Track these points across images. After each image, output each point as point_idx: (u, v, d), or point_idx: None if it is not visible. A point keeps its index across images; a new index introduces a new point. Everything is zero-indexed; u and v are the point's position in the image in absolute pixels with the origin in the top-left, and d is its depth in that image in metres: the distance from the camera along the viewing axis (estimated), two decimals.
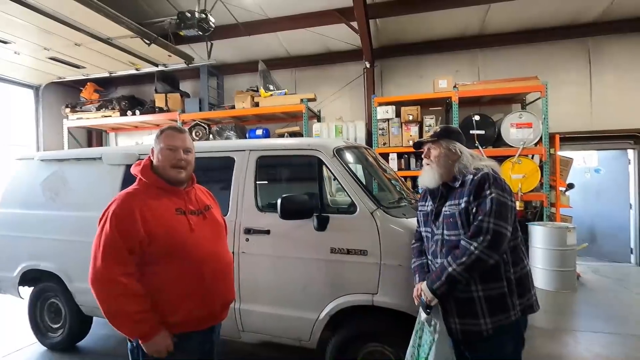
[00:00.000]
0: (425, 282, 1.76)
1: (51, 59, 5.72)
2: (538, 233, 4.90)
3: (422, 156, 1.95)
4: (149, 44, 5.09)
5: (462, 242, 1.66)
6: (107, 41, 5.07)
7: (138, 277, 1.52)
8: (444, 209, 1.81)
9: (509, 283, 1.68)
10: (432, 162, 1.87)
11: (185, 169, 1.68)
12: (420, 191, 2.12)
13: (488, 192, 1.65)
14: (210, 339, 1.74)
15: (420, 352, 1.75)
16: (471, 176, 1.73)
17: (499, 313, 1.66)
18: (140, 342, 1.51)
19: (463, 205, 1.71)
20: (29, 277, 3.40)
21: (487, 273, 1.66)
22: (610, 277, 5.43)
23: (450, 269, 1.64)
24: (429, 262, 1.88)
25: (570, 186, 5.74)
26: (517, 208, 5.11)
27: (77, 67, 6.18)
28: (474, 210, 1.67)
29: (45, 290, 3.42)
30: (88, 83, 7.40)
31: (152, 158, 1.70)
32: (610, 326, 3.71)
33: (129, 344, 1.62)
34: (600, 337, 3.49)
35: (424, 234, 1.96)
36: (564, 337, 3.53)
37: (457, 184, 1.78)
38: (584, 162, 6.92)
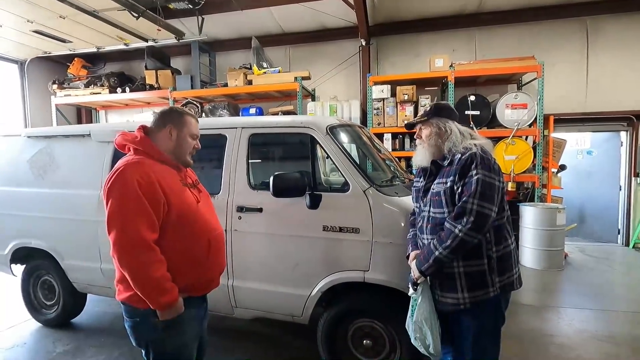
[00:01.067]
0: (414, 262, 1.80)
1: (35, 32, 5.51)
2: (528, 213, 4.98)
3: (415, 136, 1.95)
4: (137, 17, 4.91)
5: (447, 225, 1.68)
6: (92, 14, 4.89)
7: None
8: (432, 186, 1.83)
9: (489, 260, 1.71)
10: (423, 142, 1.88)
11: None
12: (414, 172, 2.13)
13: (474, 172, 1.65)
14: (203, 305, 1.79)
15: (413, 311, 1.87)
16: (459, 155, 1.73)
17: (477, 289, 1.70)
18: (160, 310, 1.49)
19: (449, 184, 1.73)
20: (21, 255, 3.39)
21: (469, 250, 1.68)
22: (596, 256, 5.57)
23: (437, 253, 1.68)
24: (417, 236, 1.93)
25: (563, 167, 5.79)
26: (509, 189, 5.21)
27: (63, 41, 5.97)
28: (459, 190, 1.68)
29: (38, 268, 3.42)
30: (75, 58, 7.18)
31: (163, 134, 1.65)
32: (593, 303, 3.83)
33: (129, 320, 1.58)
34: (582, 313, 3.61)
35: (415, 209, 2.00)
36: (548, 313, 3.65)
37: (446, 163, 1.79)
38: (576, 144, 6.96)
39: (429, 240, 1.76)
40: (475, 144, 1.75)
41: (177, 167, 1.69)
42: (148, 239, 1.44)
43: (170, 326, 1.54)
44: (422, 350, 1.82)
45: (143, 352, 1.63)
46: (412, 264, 1.81)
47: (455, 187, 1.70)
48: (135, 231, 1.43)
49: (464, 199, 1.64)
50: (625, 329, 3.30)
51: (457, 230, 1.62)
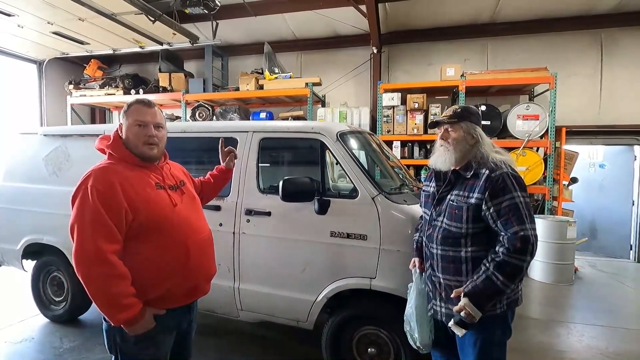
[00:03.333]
0: (468, 300, 1.58)
1: (55, 33, 5.65)
2: (538, 226, 4.85)
3: (439, 137, 1.79)
4: (153, 21, 5.01)
5: (512, 261, 1.54)
6: (110, 17, 5.00)
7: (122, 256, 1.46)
8: (449, 196, 1.74)
9: None
10: (449, 145, 1.73)
11: (158, 146, 1.60)
12: (422, 180, 2.10)
13: (515, 194, 1.58)
14: (188, 318, 1.71)
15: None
16: (487, 171, 1.63)
17: None
18: (123, 326, 1.43)
19: (473, 201, 1.64)
20: (32, 251, 3.45)
21: (479, 268, 1.64)
22: (607, 271, 5.45)
23: (508, 290, 1.59)
24: (423, 244, 1.87)
25: (574, 180, 5.71)
26: None
27: (81, 43, 6.11)
28: (490, 210, 1.60)
29: (48, 264, 3.47)
30: (92, 60, 7.33)
31: (120, 134, 1.60)
32: (603, 319, 3.75)
33: (104, 323, 1.54)
34: (592, 329, 3.53)
35: (422, 213, 1.94)
36: (557, 328, 3.57)
37: (469, 174, 1.70)
38: (588, 156, 6.87)
39: (483, 273, 1.58)
40: (503, 162, 1.67)
41: (150, 167, 1.61)
42: (105, 251, 1.38)
43: (142, 340, 1.48)
44: (411, 342, 1.86)
45: (112, 359, 1.56)
46: (468, 304, 1.57)
47: (484, 207, 1.61)
48: (92, 244, 1.37)
49: (516, 228, 1.53)
50: (636, 347, 3.21)
51: (525, 264, 1.55)
